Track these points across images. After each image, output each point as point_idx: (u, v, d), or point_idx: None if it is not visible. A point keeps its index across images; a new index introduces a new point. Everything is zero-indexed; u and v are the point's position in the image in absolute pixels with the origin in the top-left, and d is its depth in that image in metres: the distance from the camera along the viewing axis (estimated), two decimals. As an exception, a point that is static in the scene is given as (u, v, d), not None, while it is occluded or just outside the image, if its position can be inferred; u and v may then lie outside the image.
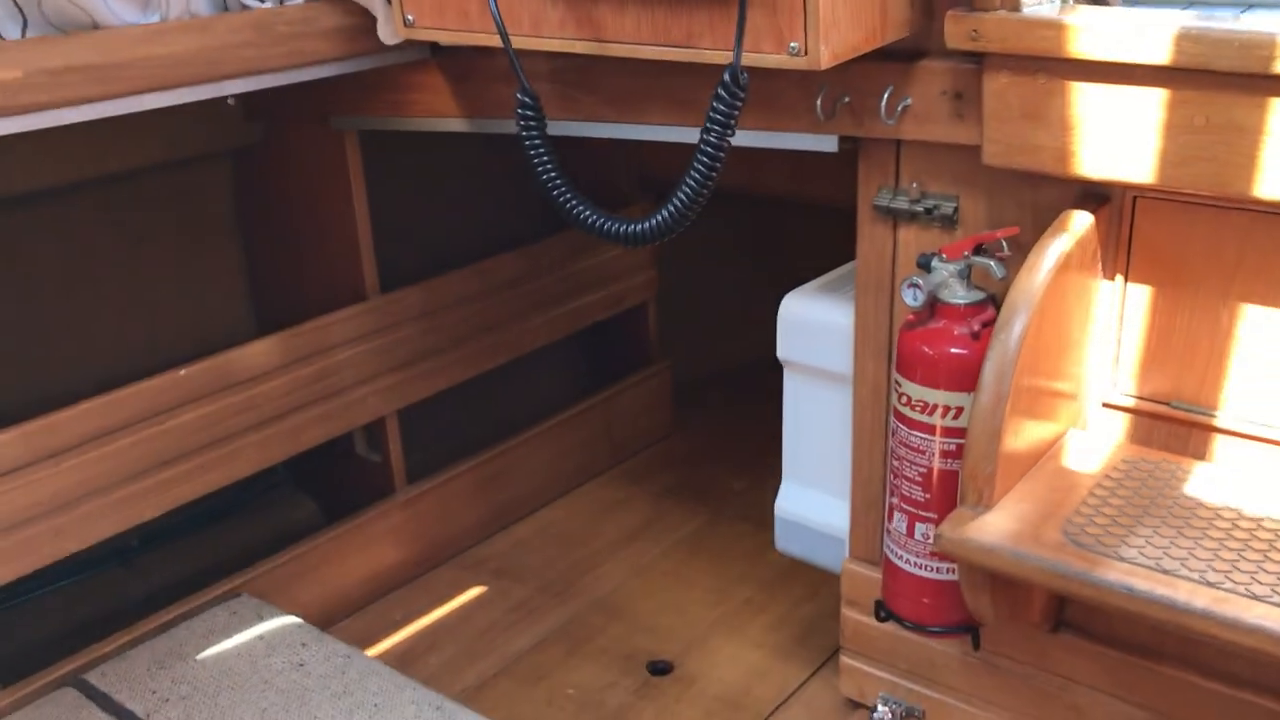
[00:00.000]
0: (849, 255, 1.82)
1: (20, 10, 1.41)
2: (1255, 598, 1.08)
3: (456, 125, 1.82)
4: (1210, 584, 1.11)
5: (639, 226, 1.30)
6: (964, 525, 1.22)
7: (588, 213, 1.33)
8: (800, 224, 2.82)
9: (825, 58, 1.20)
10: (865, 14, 1.25)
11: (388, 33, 1.61)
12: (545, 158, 1.33)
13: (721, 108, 1.22)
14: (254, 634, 1.89)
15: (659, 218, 1.30)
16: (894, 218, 1.49)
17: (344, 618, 2.17)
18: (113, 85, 1.46)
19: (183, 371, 1.91)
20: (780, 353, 1.72)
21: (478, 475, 2.41)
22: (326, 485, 2.41)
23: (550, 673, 2.02)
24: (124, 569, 2.21)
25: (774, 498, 1.86)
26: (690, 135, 1.53)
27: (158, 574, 2.23)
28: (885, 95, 1.38)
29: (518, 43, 1.37)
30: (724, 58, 1.24)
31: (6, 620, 1.82)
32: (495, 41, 1.41)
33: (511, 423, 2.53)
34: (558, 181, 1.33)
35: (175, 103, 1.55)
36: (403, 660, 2.06)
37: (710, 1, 1.23)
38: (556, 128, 1.64)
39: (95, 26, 1.45)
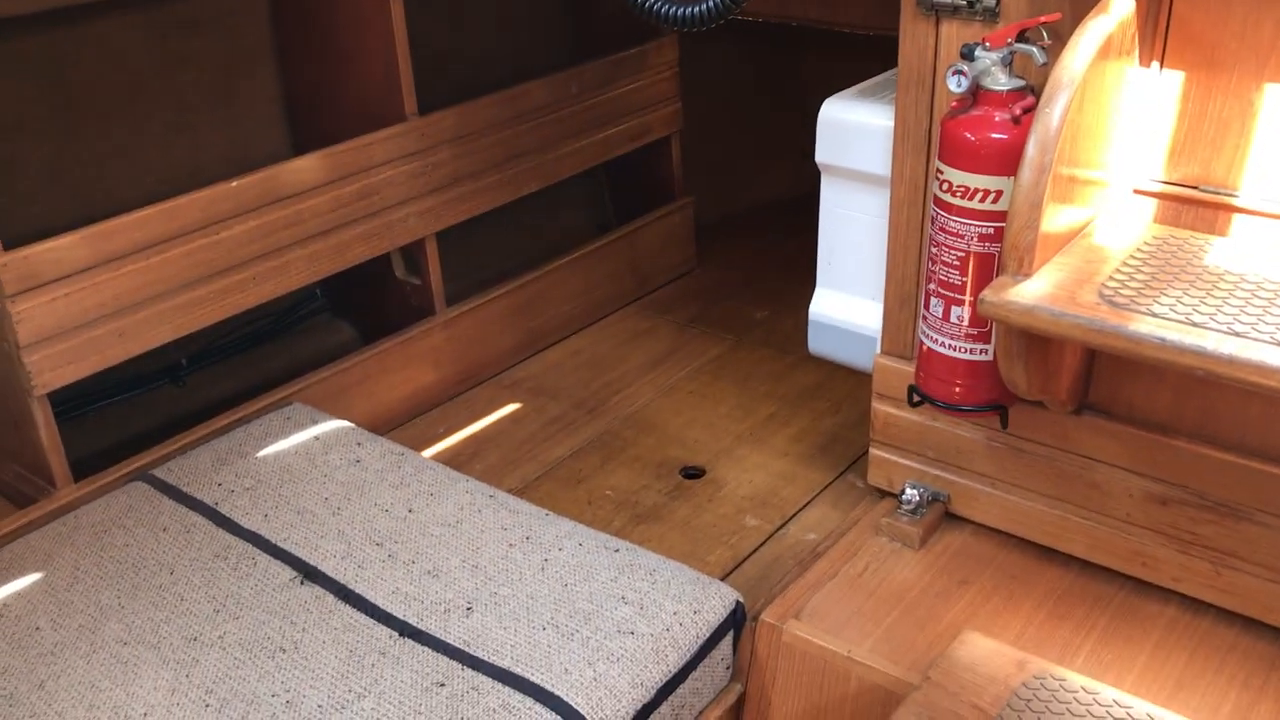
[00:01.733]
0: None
1: None
2: (1279, 344, 1.17)
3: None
4: (1236, 334, 1.20)
5: (692, 9, 1.35)
6: (1005, 290, 1.30)
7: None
8: (827, 60, 2.86)
9: None
10: None
11: None
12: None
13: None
14: (309, 435, 1.99)
15: (712, 2, 1.35)
16: (936, 12, 1.54)
17: (388, 431, 2.27)
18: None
19: (234, 183, 1.97)
20: (819, 157, 1.78)
21: (511, 302, 2.49)
22: (364, 310, 2.49)
23: (589, 477, 2.13)
24: (174, 386, 2.31)
25: (795, 324, 1.93)
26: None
27: (205, 392, 2.33)
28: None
29: None
30: None
31: (68, 430, 1.91)
32: None
33: (542, 255, 2.60)
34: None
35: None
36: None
37: None
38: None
39: None
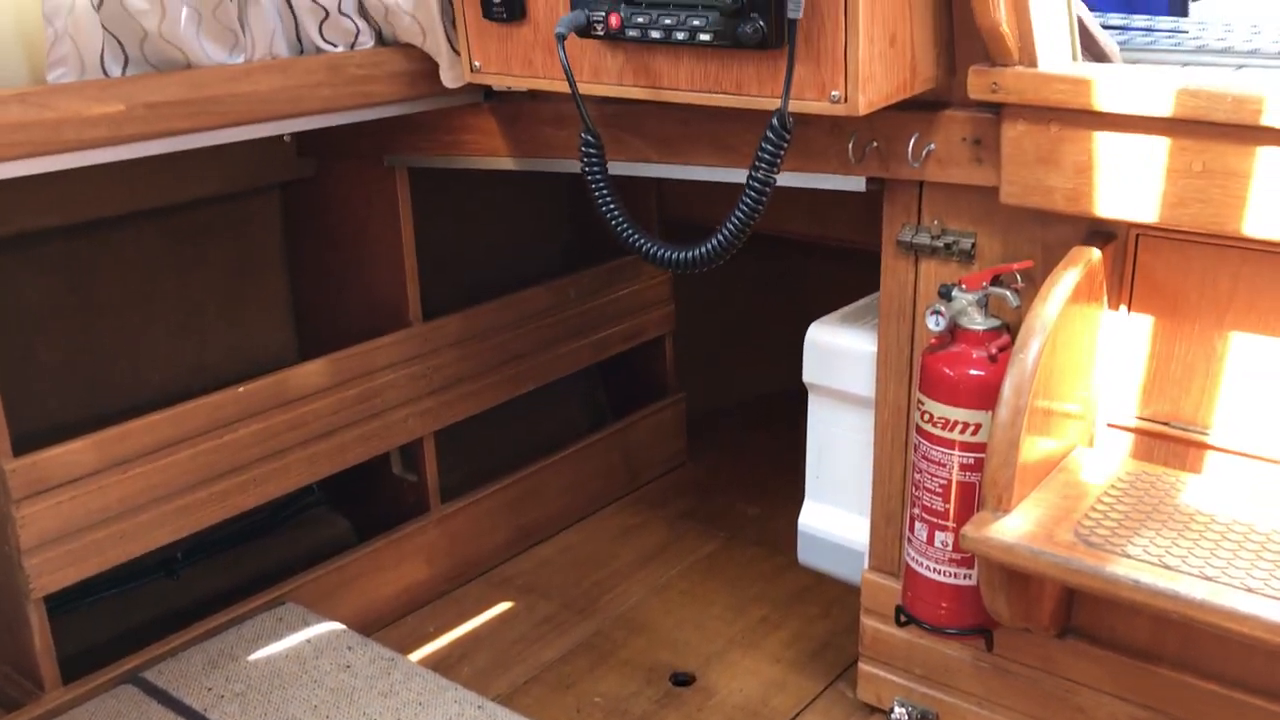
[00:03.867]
0: (859, 294, 1.97)
1: (123, 50, 1.54)
2: (1250, 590, 1.21)
3: (506, 164, 1.96)
4: (1208, 578, 1.24)
5: (690, 253, 1.44)
6: (985, 526, 1.34)
7: (643, 240, 1.47)
8: (811, 265, 2.97)
9: (863, 105, 1.35)
10: (897, 68, 1.39)
11: (452, 77, 1.76)
12: (606, 192, 1.47)
13: (769, 148, 1.36)
14: (301, 638, 2.00)
15: (709, 245, 1.43)
16: (916, 252, 1.63)
17: (379, 630, 2.28)
18: (202, 119, 1.60)
19: (241, 389, 2.03)
20: (806, 377, 1.85)
21: (505, 497, 2.53)
22: (360, 504, 2.53)
23: (578, 682, 2.13)
24: (169, 580, 2.32)
25: (786, 523, 1.98)
26: (730, 175, 1.69)
27: (200, 586, 2.34)
28: (911, 141, 1.53)
29: (580, 90, 1.51)
30: (770, 104, 1.38)
31: (60, 625, 1.92)
32: (555, 86, 1.56)
33: (536, 449, 2.66)
34: (616, 212, 1.47)
35: (256, 135, 1.69)
36: (437, 669, 2.15)
37: (758, 55, 1.38)
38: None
39: (189, 65, 1.59)
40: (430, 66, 1.80)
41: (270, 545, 2.46)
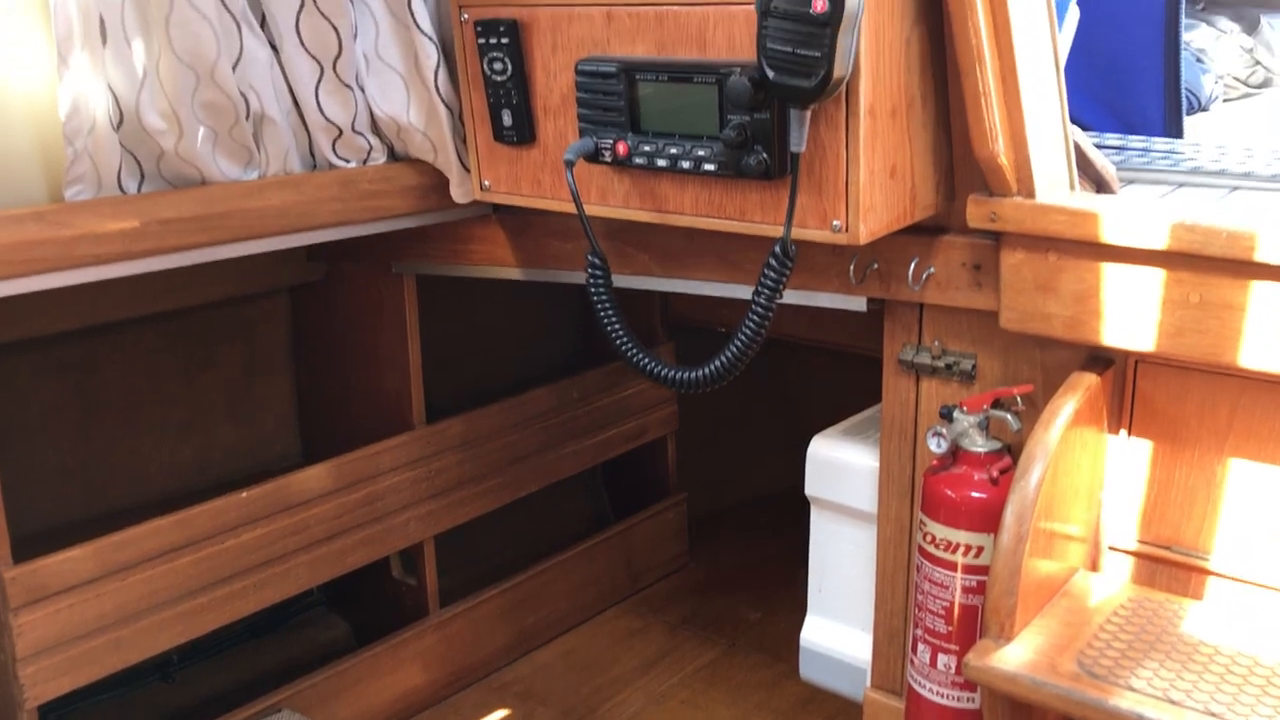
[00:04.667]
0: (859, 396, 1.98)
1: (140, 167, 1.58)
2: (1253, 727, 1.20)
3: (512, 274, 1.99)
4: (1214, 714, 1.23)
5: (694, 373, 1.45)
6: (988, 655, 1.34)
7: (646, 359, 1.49)
8: (812, 365, 2.99)
9: (864, 235, 1.37)
10: (898, 198, 1.42)
11: (462, 193, 1.79)
12: (610, 311, 1.49)
13: (771, 275, 1.38)
14: (297, 748, 1.98)
15: (713, 366, 1.45)
16: (916, 372, 1.65)
17: (375, 736, 2.26)
18: (215, 233, 1.63)
19: (244, 494, 2.03)
20: (808, 490, 1.85)
21: (505, 600, 2.51)
22: (359, 606, 2.52)
23: (576, 795, 2.10)
24: (165, 683, 2.30)
25: (788, 628, 1.96)
26: (735, 291, 1.71)
27: (197, 688, 2.32)
28: (912, 265, 1.55)
29: (587, 210, 1.54)
30: (774, 231, 1.41)
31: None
32: (563, 207, 1.59)
33: (536, 550, 2.65)
34: (620, 331, 1.49)
35: (268, 249, 1.72)
36: (433, 779, 2.14)
37: (762, 184, 1.41)
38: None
39: (204, 182, 1.62)
40: (440, 181, 1.83)
41: (268, 646, 2.45)
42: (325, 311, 2.40)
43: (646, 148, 1.45)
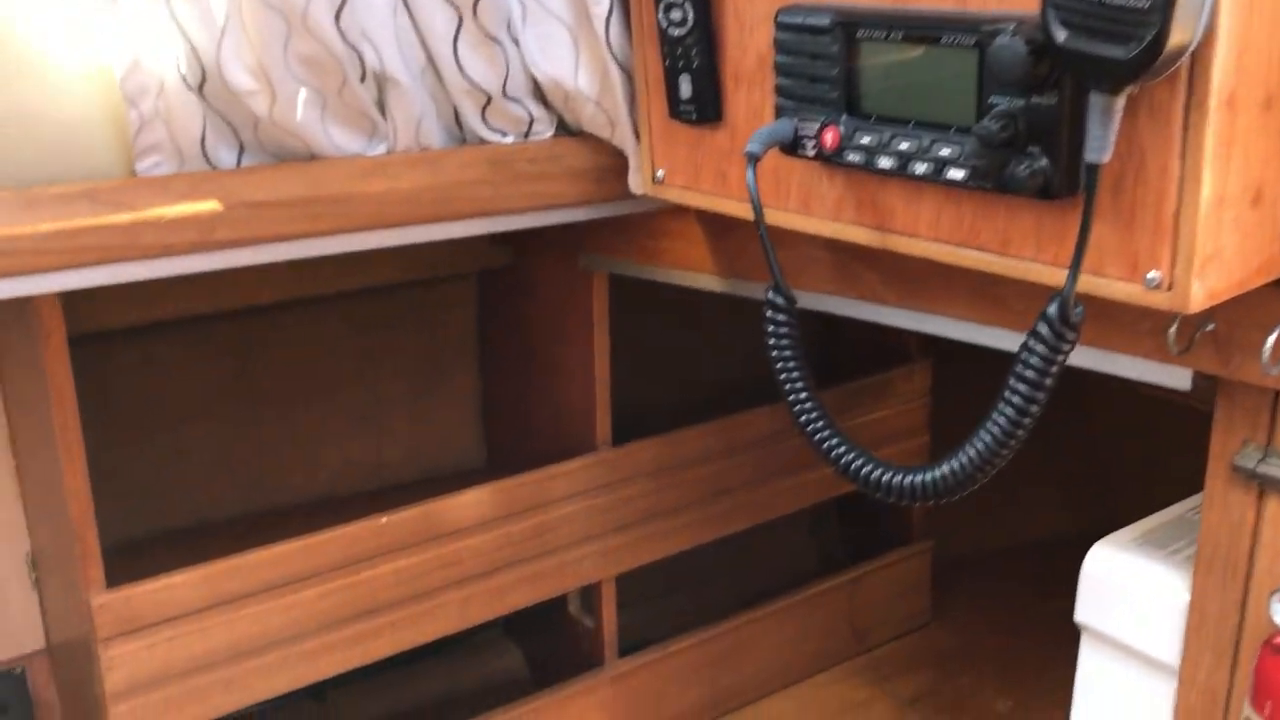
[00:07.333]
0: (1173, 452, 1.44)
1: (237, 136, 1.26)
2: None
3: (710, 283, 1.57)
4: None
5: (920, 477, 0.99)
6: None
7: (853, 454, 1.03)
8: (1116, 398, 2.41)
9: (1199, 296, 0.86)
10: (1260, 240, 0.90)
11: (638, 181, 1.38)
12: (796, 374, 1.05)
13: (1042, 347, 0.90)
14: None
15: (947, 468, 0.99)
16: (1261, 485, 1.11)
17: (531, 801, 1.93)
18: (321, 222, 1.30)
19: (384, 520, 1.73)
20: (1079, 615, 1.35)
21: (698, 654, 2.12)
22: (536, 637, 2.21)
23: None
24: (316, 702, 2.07)
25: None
26: (994, 339, 1.23)
27: (350, 712, 2.09)
28: (1274, 335, 1.01)
29: (780, 219, 1.10)
30: (1049, 276, 0.93)
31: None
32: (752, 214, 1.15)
33: (741, 596, 2.25)
34: (810, 407, 1.05)
35: (390, 244, 1.38)
36: None
37: (1037, 205, 0.92)
38: (826, 304, 1.37)
39: (312, 157, 1.29)
40: (620, 162, 1.43)
41: (434, 670, 2.18)
42: (512, 304, 2.07)
43: (866, 139, 0.99)
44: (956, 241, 1.00)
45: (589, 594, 2.05)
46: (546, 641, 2.18)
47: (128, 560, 1.63)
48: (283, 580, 1.65)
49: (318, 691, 2.06)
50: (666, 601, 2.29)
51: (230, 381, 1.95)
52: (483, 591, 1.86)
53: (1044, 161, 0.88)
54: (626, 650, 2.06)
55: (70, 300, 1.37)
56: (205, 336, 1.90)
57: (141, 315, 1.76)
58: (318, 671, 1.72)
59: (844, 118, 1.01)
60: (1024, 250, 0.95)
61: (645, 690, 2.08)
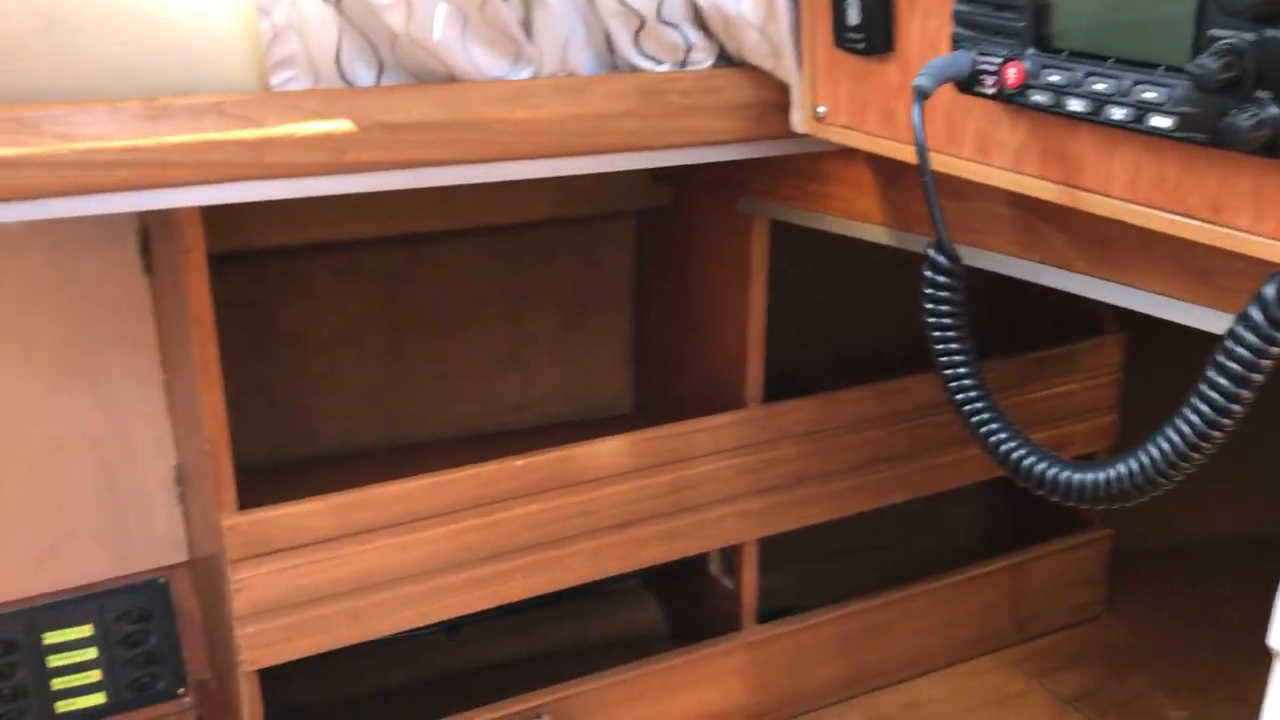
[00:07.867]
0: None
1: (376, 53, 1.20)
2: None
3: (877, 235, 1.44)
4: None
5: (1089, 477, 0.85)
6: None
7: (1017, 445, 0.90)
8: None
9: None
10: None
11: (799, 119, 1.26)
12: (955, 347, 0.92)
13: (1251, 339, 0.75)
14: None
15: (1125, 468, 0.85)
16: None
17: (655, 762, 1.87)
18: (458, 148, 1.23)
19: (519, 462, 1.68)
20: (1272, 639, 1.18)
21: (842, 627, 2.01)
22: (674, 592, 2.14)
23: None
24: (446, 637, 2.06)
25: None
26: (1195, 318, 1.06)
27: (480, 650, 2.07)
28: None
29: (951, 166, 0.96)
30: (1268, 251, 0.77)
31: (306, 668, 1.70)
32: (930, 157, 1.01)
33: (895, 570, 2.12)
34: (968, 384, 0.91)
35: (529, 175, 1.29)
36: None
37: (1265, 160, 0.76)
38: (1005, 265, 1.22)
39: (452, 78, 1.22)
40: (783, 97, 1.31)
41: (569, 615, 2.14)
42: (670, 246, 1.98)
43: (1055, 77, 0.84)
44: (1156, 204, 0.84)
45: (730, 555, 1.96)
46: (685, 599, 2.11)
47: (267, 482, 1.63)
48: (412, 516, 1.62)
49: (451, 627, 2.05)
50: (813, 568, 2.19)
51: (378, 310, 1.94)
52: (617, 543, 1.79)
53: (1273, 110, 0.72)
54: (767, 615, 1.97)
55: (216, 216, 1.35)
56: (354, 263, 1.88)
57: (289, 236, 1.74)
58: (445, 610, 1.69)
59: (1030, 51, 0.86)
60: (1239, 218, 0.79)
61: (782, 659, 1.98)
